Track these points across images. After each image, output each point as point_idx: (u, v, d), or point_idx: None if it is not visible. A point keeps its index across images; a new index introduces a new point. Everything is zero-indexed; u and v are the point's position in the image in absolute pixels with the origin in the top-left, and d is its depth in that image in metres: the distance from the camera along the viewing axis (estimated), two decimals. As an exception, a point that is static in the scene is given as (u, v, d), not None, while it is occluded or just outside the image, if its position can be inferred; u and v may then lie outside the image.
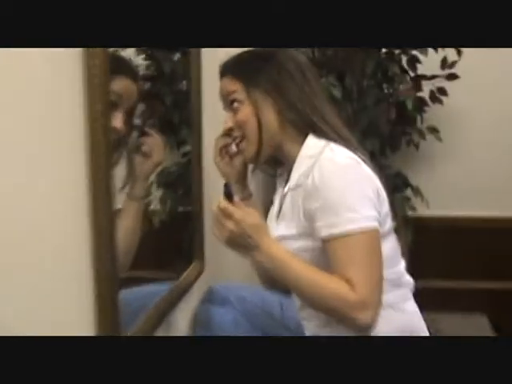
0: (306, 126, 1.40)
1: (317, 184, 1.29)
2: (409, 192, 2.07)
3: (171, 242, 1.78)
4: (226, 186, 1.31)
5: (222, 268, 1.94)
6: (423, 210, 2.12)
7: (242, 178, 1.58)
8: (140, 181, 1.50)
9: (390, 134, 1.96)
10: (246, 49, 1.47)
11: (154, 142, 1.51)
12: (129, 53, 1.47)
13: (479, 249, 2.31)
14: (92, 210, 1.14)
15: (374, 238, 1.29)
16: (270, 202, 1.57)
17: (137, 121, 1.53)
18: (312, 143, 1.39)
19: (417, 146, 2.15)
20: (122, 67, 1.38)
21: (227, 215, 1.27)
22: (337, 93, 1.77)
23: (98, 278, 1.13)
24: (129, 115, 1.43)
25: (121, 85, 1.37)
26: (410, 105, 1.91)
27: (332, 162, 1.31)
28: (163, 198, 1.80)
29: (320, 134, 1.39)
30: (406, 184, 2.06)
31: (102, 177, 1.15)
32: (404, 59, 2.01)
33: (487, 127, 2.35)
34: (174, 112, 1.76)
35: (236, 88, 1.42)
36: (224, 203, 1.28)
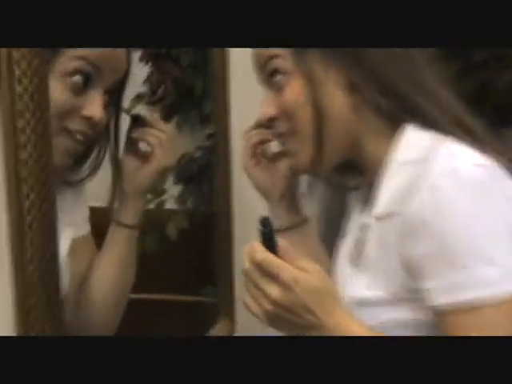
0: (401, 109, 0.83)
1: (426, 214, 0.74)
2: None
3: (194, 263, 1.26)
4: (265, 221, 0.73)
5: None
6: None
7: (290, 195, 0.99)
8: (133, 198, 0.97)
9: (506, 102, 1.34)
10: None
11: (158, 135, 0.95)
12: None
13: None
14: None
15: None
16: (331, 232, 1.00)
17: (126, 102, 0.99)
18: (413, 139, 0.82)
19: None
20: None
21: (269, 275, 0.73)
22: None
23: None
24: (113, 95, 0.90)
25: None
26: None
27: (453, 175, 0.75)
28: (182, 197, 1.29)
29: (425, 122, 0.82)
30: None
31: (34, 214, 0.66)
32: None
33: None
34: (195, 76, 1.21)
35: (279, 51, 0.85)
36: (262, 253, 0.73)
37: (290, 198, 0.99)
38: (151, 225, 1.16)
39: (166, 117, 1.25)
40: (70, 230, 0.94)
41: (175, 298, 1.30)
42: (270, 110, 0.87)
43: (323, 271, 0.76)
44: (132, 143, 0.96)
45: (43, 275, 0.69)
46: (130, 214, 0.96)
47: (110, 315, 0.99)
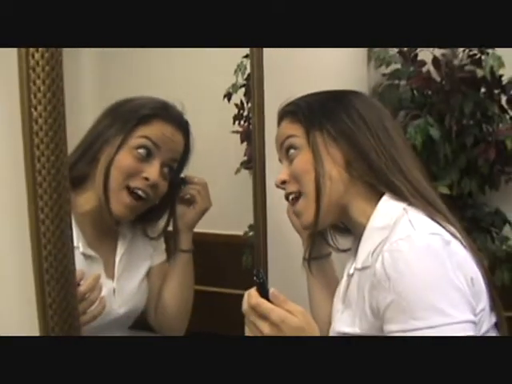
0: (381, 183, 1.07)
1: (388, 271, 0.94)
2: (507, 229, 1.99)
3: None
4: (258, 273, 0.96)
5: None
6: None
7: (315, 235, 1.24)
8: (184, 233, 1.38)
9: (489, 173, 1.92)
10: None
11: (197, 188, 1.37)
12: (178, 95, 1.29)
13: None
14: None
15: None
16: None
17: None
18: (385, 209, 1.06)
19: (516, 185, 1.93)
20: (162, 110, 1.25)
21: (260, 315, 0.94)
22: (435, 133, 1.80)
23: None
24: (171, 168, 1.28)
25: (158, 131, 1.23)
26: (510, 144, 1.85)
27: (409, 242, 0.95)
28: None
29: (398, 195, 1.06)
30: (504, 221, 2.00)
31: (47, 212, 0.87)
32: (504, 99, 1.91)
33: None
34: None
35: (295, 132, 1.12)
36: (255, 298, 0.94)
37: (315, 238, 1.25)
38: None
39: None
40: (152, 259, 1.35)
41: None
42: (282, 176, 1.14)
43: (307, 313, 0.95)
44: (181, 196, 1.37)
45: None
46: (184, 243, 1.37)
47: (180, 319, 1.37)
